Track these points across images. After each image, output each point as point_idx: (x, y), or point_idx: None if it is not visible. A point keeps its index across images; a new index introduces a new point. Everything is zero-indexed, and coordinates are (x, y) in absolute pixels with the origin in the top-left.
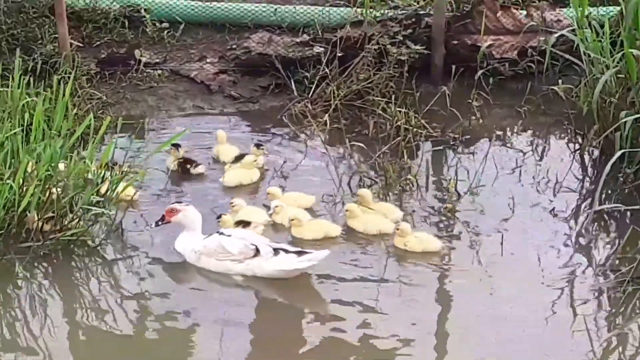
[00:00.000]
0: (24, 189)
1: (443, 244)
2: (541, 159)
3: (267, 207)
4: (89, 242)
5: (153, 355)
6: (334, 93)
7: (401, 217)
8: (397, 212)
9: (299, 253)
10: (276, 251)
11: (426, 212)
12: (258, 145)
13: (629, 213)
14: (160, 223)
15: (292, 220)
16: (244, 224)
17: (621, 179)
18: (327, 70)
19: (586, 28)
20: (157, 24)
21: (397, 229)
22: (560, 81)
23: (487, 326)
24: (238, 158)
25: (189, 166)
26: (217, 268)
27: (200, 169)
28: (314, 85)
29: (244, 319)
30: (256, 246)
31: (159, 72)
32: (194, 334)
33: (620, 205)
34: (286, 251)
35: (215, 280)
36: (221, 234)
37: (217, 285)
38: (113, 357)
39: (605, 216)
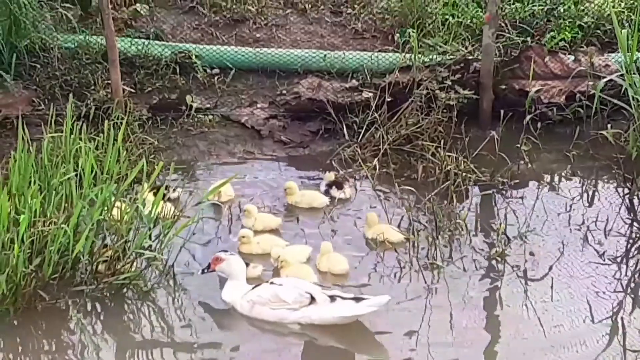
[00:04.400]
0: (78, 233)
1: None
2: (590, 203)
3: None
4: (142, 286)
5: None
6: (383, 137)
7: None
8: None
9: (356, 299)
10: (332, 298)
11: (475, 256)
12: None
13: None
14: (206, 271)
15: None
16: None
17: None
18: (376, 115)
19: (634, 73)
20: (208, 70)
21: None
22: (609, 126)
23: None
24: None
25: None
26: (271, 317)
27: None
28: (363, 129)
29: None
30: (311, 294)
31: (210, 117)
32: None
33: None
34: (342, 298)
35: (266, 329)
36: (272, 283)
37: (269, 333)
38: None
39: None
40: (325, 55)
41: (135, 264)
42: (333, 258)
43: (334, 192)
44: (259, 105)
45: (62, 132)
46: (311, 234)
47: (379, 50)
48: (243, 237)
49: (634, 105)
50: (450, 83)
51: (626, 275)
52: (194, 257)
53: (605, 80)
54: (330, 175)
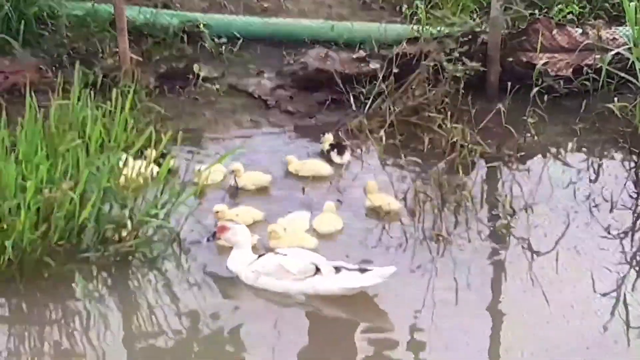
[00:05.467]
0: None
1: None
2: (596, 176)
3: None
4: (148, 254)
5: None
6: (389, 109)
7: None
8: None
9: (362, 270)
10: (337, 269)
11: (481, 228)
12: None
13: None
14: (211, 239)
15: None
16: None
17: None
18: (383, 86)
19: None
20: (216, 40)
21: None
22: (615, 99)
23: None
24: None
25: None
26: (277, 287)
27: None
28: (370, 100)
29: (301, 337)
30: (315, 265)
31: (217, 86)
32: (249, 351)
33: None
34: (347, 269)
35: (271, 299)
36: (276, 253)
37: (274, 303)
38: None
39: None
40: (333, 26)
41: (141, 231)
42: (327, 217)
43: (335, 157)
44: (266, 75)
45: (69, 99)
46: (315, 203)
47: (387, 22)
48: (217, 212)
49: None
50: (457, 55)
51: (631, 248)
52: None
53: (612, 53)
54: (329, 137)
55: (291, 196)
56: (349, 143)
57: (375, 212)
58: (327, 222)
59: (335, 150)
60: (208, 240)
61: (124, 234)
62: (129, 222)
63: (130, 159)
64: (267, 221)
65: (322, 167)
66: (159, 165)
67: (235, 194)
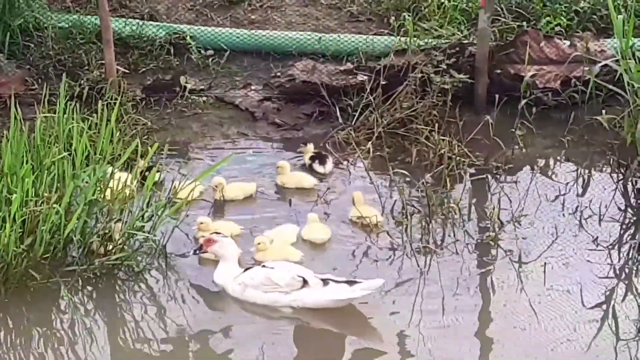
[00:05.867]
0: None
1: None
2: (584, 189)
3: None
4: (134, 267)
5: None
6: (377, 121)
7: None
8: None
9: (350, 282)
10: (325, 281)
11: (468, 240)
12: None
13: None
14: (197, 252)
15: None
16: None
17: None
18: (370, 98)
19: (630, 59)
20: (202, 51)
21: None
22: (603, 111)
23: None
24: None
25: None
26: (264, 300)
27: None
28: (357, 113)
29: (288, 350)
30: (303, 277)
31: (204, 98)
32: None
33: None
34: (335, 281)
35: (257, 312)
36: (264, 266)
37: (260, 316)
38: None
39: None
40: (320, 38)
41: (127, 244)
42: (315, 227)
43: (317, 167)
44: (253, 87)
45: (55, 112)
46: (302, 215)
47: (374, 34)
48: (201, 223)
49: (629, 90)
50: (445, 67)
51: (619, 261)
52: (187, 236)
53: (600, 65)
54: (310, 148)
55: (278, 208)
56: (329, 153)
57: (360, 224)
58: (316, 231)
59: (317, 160)
60: (195, 252)
61: (109, 247)
62: (115, 235)
63: (117, 172)
64: (252, 234)
65: (304, 179)
66: (145, 178)
67: (219, 207)
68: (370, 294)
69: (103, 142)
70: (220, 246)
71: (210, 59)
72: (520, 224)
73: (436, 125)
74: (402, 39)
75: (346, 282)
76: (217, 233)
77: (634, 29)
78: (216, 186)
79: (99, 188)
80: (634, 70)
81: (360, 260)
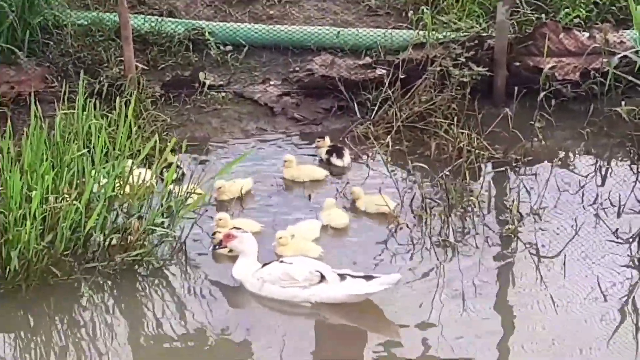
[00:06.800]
0: (90, 210)
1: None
2: (604, 181)
3: None
4: (154, 262)
5: None
6: (396, 115)
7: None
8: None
9: (367, 277)
10: (342, 276)
11: (488, 233)
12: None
13: None
14: (217, 247)
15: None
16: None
17: None
18: (389, 92)
19: None
20: (221, 47)
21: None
22: (623, 103)
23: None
24: None
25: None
26: (282, 296)
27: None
28: (376, 107)
29: (306, 344)
30: (320, 272)
31: (223, 94)
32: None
33: None
34: (352, 276)
35: (276, 307)
36: (282, 261)
37: (278, 312)
38: None
39: None
40: (338, 32)
41: (147, 240)
42: (335, 213)
43: (335, 160)
44: (272, 83)
45: (74, 109)
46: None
47: (393, 27)
48: (220, 219)
49: None
50: (464, 60)
51: (639, 252)
52: (207, 233)
53: (619, 56)
54: (326, 141)
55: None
56: (345, 146)
57: (379, 216)
58: (336, 216)
59: (334, 154)
60: (215, 248)
61: (129, 242)
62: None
63: (136, 168)
64: (274, 229)
65: (315, 171)
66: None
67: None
68: (388, 289)
69: (122, 138)
70: (240, 241)
71: (229, 55)
72: (539, 217)
73: (455, 118)
74: (421, 32)
75: (363, 277)
76: (236, 228)
77: None
78: (219, 188)
79: (118, 184)
80: None
81: (380, 254)
